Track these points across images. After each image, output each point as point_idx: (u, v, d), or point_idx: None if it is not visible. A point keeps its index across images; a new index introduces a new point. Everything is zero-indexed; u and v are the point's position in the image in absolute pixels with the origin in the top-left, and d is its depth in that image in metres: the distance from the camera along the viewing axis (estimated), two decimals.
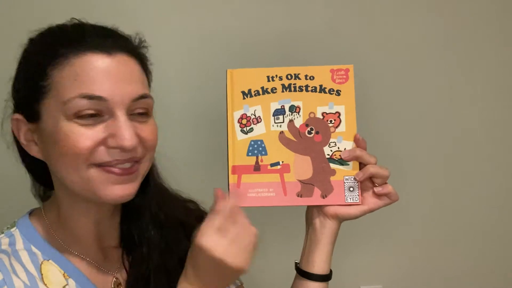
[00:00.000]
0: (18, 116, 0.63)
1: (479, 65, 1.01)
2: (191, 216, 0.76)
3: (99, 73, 0.61)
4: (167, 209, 0.74)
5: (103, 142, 0.61)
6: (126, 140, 0.61)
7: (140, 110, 0.63)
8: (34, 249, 0.65)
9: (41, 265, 0.64)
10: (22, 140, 0.64)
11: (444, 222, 1.10)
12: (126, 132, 0.61)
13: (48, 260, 0.64)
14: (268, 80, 0.66)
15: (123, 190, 0.63)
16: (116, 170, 0.62)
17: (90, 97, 0.60)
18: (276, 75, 0.67)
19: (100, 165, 0.61)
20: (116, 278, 0.69)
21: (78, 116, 0.60)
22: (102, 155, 0.61)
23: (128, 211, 0.72)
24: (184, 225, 0.74)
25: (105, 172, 0.62)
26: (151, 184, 0.71)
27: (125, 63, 0.63)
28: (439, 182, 1.07)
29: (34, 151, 0.64)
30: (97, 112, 0.61)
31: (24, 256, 0.64)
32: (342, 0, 0.98)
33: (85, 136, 0.60)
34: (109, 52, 0.62)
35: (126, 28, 0.66)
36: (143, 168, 0.65)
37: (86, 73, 0.61)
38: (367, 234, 1.06)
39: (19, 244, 0.65)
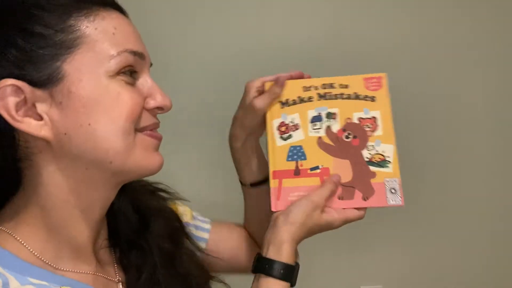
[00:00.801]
0: (12, 82, 0.50)
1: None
2: (161, 199, 0.76)
3: (131, 30, 0.58)
4: (141, 196, 0.72)
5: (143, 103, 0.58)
6: (168, 99, 0.59)
7: None
8: (35, 281, 0.53)
9: None
10: (13, 114, 0.51)
11: (444, 223, 1.12)
12: (162, 91, 0.59)
13: (64, 287, 0.55)
14: (305, 90, 0.69)
15: (161, 158, 0.60)
16: (158, 134, 0.60)
17: (135, 53, 0.56)
18: (312, 85, 0.70)
19: (142, 130, 0.58)
20: (122, 283, 0.65)
21: (122, 72, 0.55)
22: (147, 117, 0.58)
23: (111, 207, 0.65)
24: (158, 208, 0.74)
25: (148, 137, 0.58)
26: None
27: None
28: (440, 183, 1.09)
29: (34, 126, 0.52)
30: (135, 71, 0.57)
31: None
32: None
33: (134, 94, 0.56)
34: (122, 12, 0.59)
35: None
36: None
37: (122, 29, 0.56)
38: (368, 235, 1.07)
39: (14, 282, 0.51)
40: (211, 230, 0.82)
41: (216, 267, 0.79)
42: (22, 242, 0.55)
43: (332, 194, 0.66)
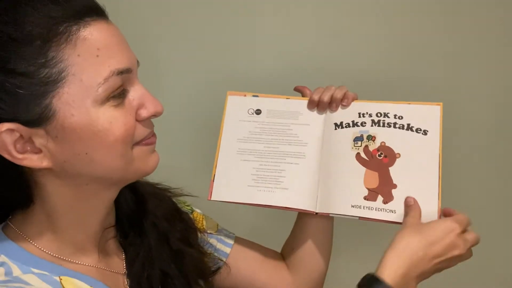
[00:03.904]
0: (6, 127, 0.50)
1: None
2: (152, 186, 0.78)
3: (114, 42, 0.54)
4: (138, 183, 0.72)
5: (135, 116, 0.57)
6: (159, 105, 0.58)
7: None
8: (37, 271, 0.55)
9: (60, 281, 0.56)
10: (15, 155, 0.52)
11: None
12: (153, 97, 0.58)
13: (63, 276, 0.57)
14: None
15: (157, 156, 0.62)
16: (153, 139, 0.61)
17: (122, 72, 0.54)
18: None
19: (139, 142, 0.59)
20: (127, 275, 0.67)
21: (111, 97, 0.54)
22: (141, 130, 0.58)
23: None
24: (153, 192, 0.76)
25: (145, 145, 0.59)
26: None
27: (116, 27, 0.57)
28: (443, 183, 1.06)
29: (35, 161, 0.53)
30: (124, 88, 0.56)
31: (33, 279, 0.54)
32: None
33: (126, 116, 0.55)
34: (103, 17, 0.55)
35: None
36: None
37: (105, 45, 0.53)
38: (368, 234, 1.09)
39: (16, 271, 0.55)
40: (234, 246, 0.84)
41: (232, 282, 0.83)
42: (29, 240, 0.58)
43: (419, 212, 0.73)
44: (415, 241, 0.65)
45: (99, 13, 0.55)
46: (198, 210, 0.86)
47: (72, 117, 0.52)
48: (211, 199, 0.82)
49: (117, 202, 0.68)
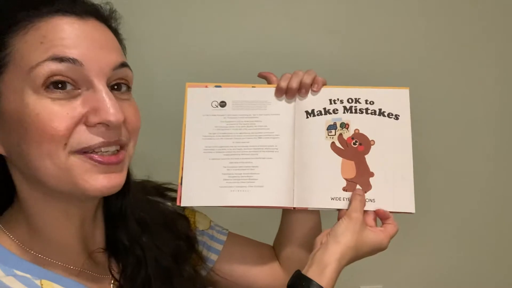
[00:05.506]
0: None
1: None
2: (166, 209, 0.76)
3: (70, 35, 0.52)
4: (147, 208, 0.70)
5: (83, 119, 0.52)
6: (112, 113, 0.52)
7: (121, 81, 0.56)
8: (19, 272, 0.53)
9: (41, 286, 0.54)
10: None
11: (444, 222, 1.16)
12: (110, 103, 0.52)
13: (43, 280, 0.55)
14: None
15: (109, 180, 0.54)
16: (102, 159, 0.53)
17: (62, 59, 0.50)
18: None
19: (84, 152, 0.53)
20: (115, 279, 0.64)
21: (48, 86, 0.50)
22: (84, 137, 0.52)
23: (111, 215, 0.66)
24: (165, 222, 0.73)
25: (89, 159, 0.53)
26: (130, 181, 0.64)
27: (100, 28, 0.55)
28: (439, 184, 1.12)
29: None
30: (72, 81, 0.52)
31: (13, 282, 0.51)
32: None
33: (60, 112, 0.51)
34: (80, 16, 0.54)
35: None
36: (129, 156, 0.58)
37: (55, 34, 0.51)
38: None
39: None
40: (226, 243, 0.82)
41: (225, 282, 0.82)
42: (13, 239, 0.57)
43: (364, 204, 0.75)
44: (349, 254, 0.69)
45: (73, 12, 0.54)
46: (189, 207, 0.84)
47: (9, 103, 0.51)
48: (181, 204, 0.77)
49: (114, 222, 0.65)
